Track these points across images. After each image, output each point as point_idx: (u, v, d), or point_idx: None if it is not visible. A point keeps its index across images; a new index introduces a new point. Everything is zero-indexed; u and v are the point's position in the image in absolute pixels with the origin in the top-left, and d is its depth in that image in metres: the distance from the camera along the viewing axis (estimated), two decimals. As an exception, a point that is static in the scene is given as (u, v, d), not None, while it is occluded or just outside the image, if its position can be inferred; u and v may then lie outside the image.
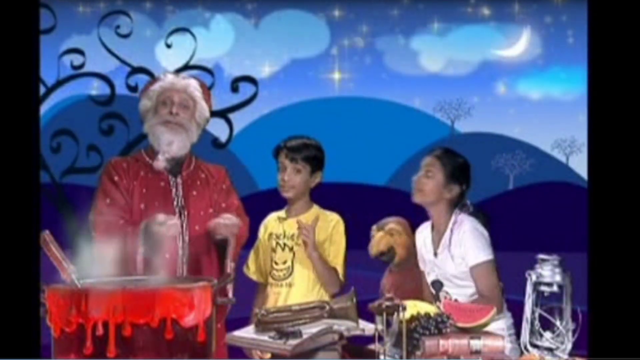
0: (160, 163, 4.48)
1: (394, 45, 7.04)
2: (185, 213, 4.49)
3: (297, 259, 4.73)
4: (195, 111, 4.57)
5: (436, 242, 4.55)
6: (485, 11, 7.00)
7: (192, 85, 4.61)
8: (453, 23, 7.01)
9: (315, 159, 4.77)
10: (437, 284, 4.52)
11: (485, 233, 4.50)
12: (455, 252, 4.45)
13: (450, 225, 4.51)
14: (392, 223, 4.89)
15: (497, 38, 7.01)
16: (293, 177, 4.75)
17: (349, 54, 7.08)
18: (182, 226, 4.45)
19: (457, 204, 4.56)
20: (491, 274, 4.44)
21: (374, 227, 4.94)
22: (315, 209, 4.80)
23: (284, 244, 4.77)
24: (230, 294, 4.12)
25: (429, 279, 4.57)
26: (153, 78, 4.72)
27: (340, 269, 4.72)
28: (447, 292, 4.48)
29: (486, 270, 4.44)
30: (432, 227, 4.60)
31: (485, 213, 4.69)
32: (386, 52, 7.06)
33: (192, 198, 4.54)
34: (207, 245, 4.50)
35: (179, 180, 4.56)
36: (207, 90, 4.72)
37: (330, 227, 4.75)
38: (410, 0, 7.01)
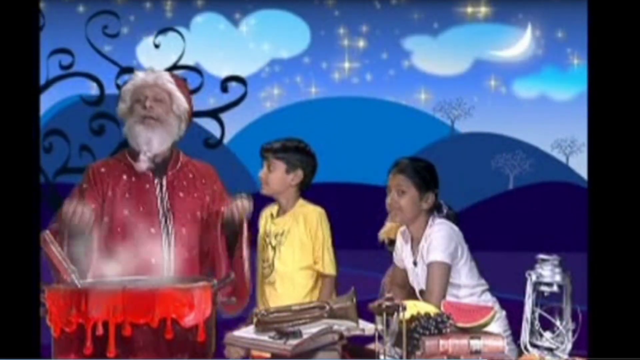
0: (142, 164, 4.29)
1: (394, 45, 7.04)
2: (171, 216, 4.30)
3: (278, 257, 4.75)
4: (172, 104, 4.35)
5: (415, 251, 4.47)
6: (486, 11, 7.00)
7: (164, 77, 4.39)
8: (453, 23, 7.02)
9: (292, 158, 4.76)
10: (424, 294, 4.47)
11: (454, 236, 4.39)
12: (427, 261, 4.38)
13: (426, 233, 4.41)
14: None
15: (498, 38, 7.02)
16: (267, 174, 4.78)
17: (349, 54, 7.08)
18: (167, 229, 4.29)
19: (432, 209, 4.47)
20: (438, 276, 4.31)
21: None
22: (300, 203, 4.80)
23: (269, 242, 4.80)
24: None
25: (415, 286, 4.52)
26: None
27: (329, 262, 4.73)
28: None
29: (436, 271, 4.31)
30: (412, 238, 4.51)
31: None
32: (386, 52, 7.06)
33: (179, 200, 4.34)
34: (195, 248, 4.34)
35: (164, 181, 4.35)
36: (182, 82, 4.51)
37: (315, 221, 4.75)
38: None
